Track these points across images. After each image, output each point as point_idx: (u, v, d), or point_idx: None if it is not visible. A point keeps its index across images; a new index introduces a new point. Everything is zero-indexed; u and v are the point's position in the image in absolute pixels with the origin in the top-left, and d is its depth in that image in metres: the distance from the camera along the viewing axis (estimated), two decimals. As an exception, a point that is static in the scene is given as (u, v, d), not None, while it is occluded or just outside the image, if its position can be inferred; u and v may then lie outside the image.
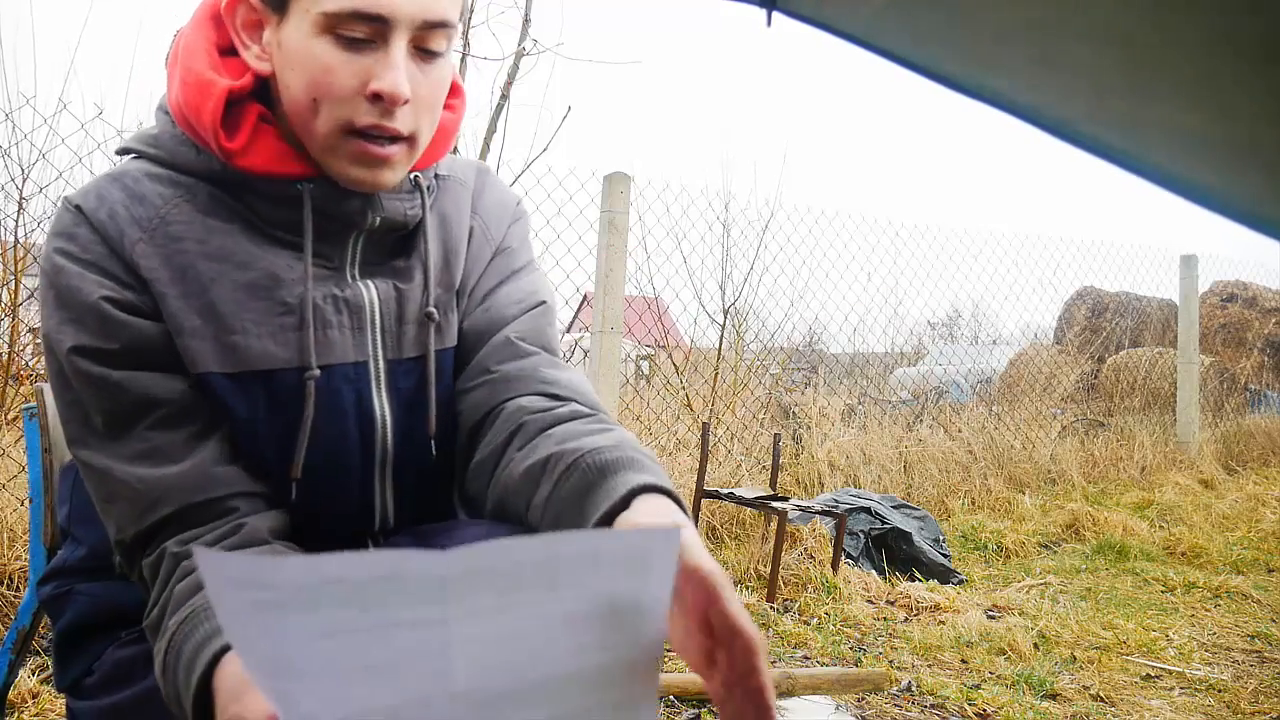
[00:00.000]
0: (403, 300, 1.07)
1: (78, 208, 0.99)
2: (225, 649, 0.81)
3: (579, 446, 0.94)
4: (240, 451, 1.01)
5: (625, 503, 0.85)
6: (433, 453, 1.09)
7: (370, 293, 1.05)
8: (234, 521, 0.97)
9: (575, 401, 1.06)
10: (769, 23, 1.16)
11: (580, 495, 0.90)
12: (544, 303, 1.16)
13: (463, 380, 1.11)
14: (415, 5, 0.94)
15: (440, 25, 0.96)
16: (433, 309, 1.08)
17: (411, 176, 1.07)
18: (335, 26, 0.93)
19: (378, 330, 1.05)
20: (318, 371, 1.01)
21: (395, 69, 0.94)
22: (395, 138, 0.98)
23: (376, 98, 0.94)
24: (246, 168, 0.99)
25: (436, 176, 1.13)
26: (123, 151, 1.07)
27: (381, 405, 1.06)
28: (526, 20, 4.27)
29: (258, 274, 1.00)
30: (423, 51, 0.97)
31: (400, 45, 0.94)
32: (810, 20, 1.16)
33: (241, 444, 1.01)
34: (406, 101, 0.95)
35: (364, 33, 0.94)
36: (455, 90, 1.11)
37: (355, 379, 1.05)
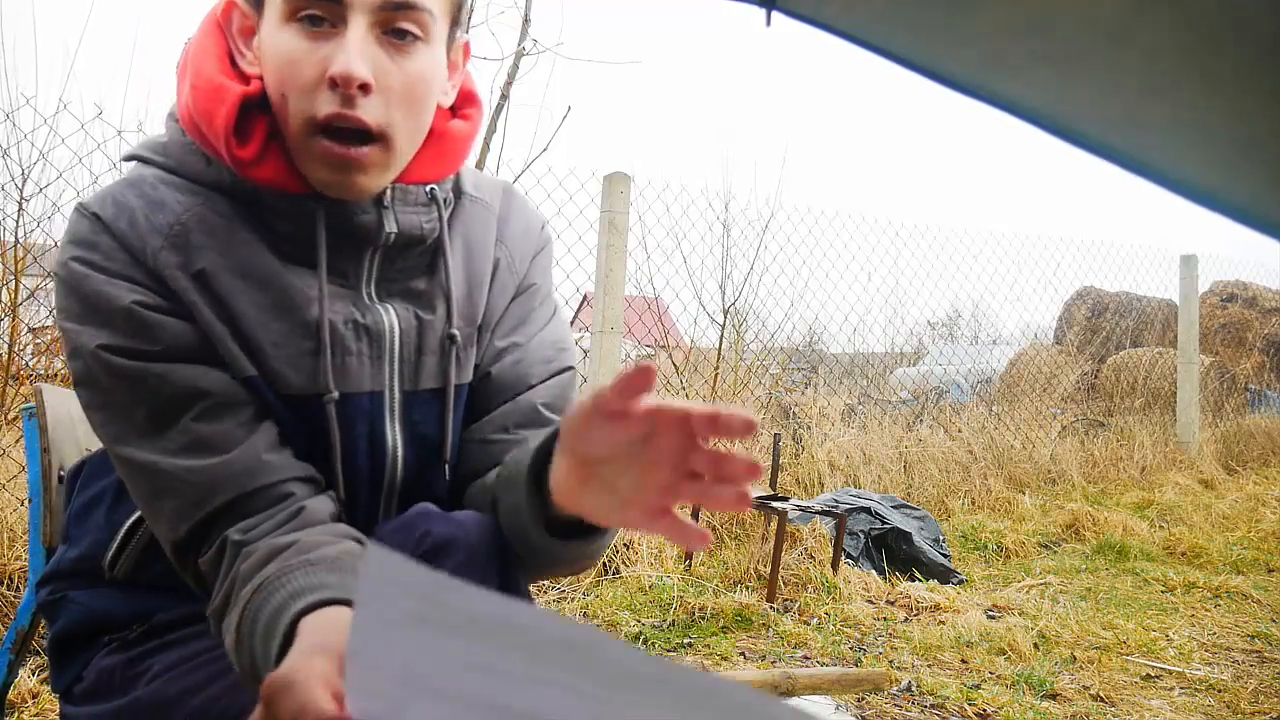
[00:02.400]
0: (424, 330, 1.03)
1: (96, 215, 0.96)
2: (305, 610, 0.78)
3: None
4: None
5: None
6: (446, 478, 1.06)
7: (390, 318, 1.02)
8: (292, 506, 0.93)
9: None
10: (768, 22, 1.16)
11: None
12: (571, 368, 1.14)
13: (480, 429, 1.08)
14: None
15: (405, 6, 0.92)
16: (455, 338, 1.04)
17: (427, 189, 1.03)
18: (293, 12, 0.91)
19: (396, 360, 1.02)
20: (336, 394, 0.98)
21: (347, 51, 0.90)
22: (364, 136, 0.93)
23: (334, 84, 0.90)
24: (257, 179, 0.96)
25: (460, 193, 1.09)
26: (130, 158, 1.04)
27: (394, 437, 1.03)
28: (526, 20, 4.27)
29: (277, 294, 0.97)
30: (392, 37, 0.93)
31: (357, 27, 0.90)
32: (809, 20, 1.16)
33: None
34: (364, 86, 0.90)
35: (321, 12, 0.90)
36: (471, 99, 1.07)
37: (370, 410, 1.02)
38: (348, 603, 0.78)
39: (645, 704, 0.51)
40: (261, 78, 0.96)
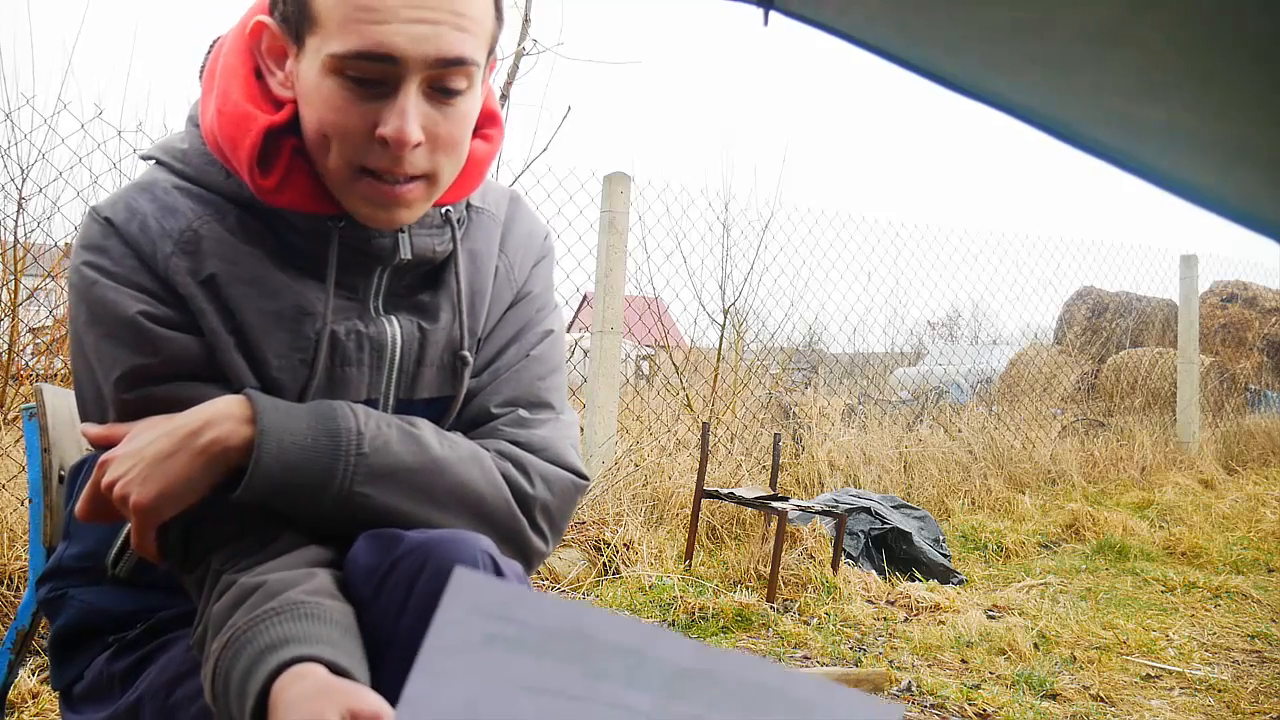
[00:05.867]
0: (425, 342, 1.04)
1: (107, 220, 0.96)
2: (274, 673, 0.79)
3: None
4: None
5: None
6: None
7: (394, 329, 1.02)
8: (272, 528, 0.95)
9: None
10: (766, 22, 1.16)
11: None
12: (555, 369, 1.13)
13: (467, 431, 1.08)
14: (426, 44, 0.88)
15: (455, 63, 0.90)
16: (467, 360, 1.05)
17: (442, 211, 1.03)
18: (343, 68, 0.89)
19: (395, 369, 1.03)
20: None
21: (402, 114, 0.89)
22: (411, 176, 0.93)
23: (385, 142, 0.90)
24: (278, 205, 0.96)
25: (468, 207, 1.09)
26: (147, 158, 1.04)
27: None
28: (526, 20, 4.27)
29: (284, 305, 0.98)
30: (440, 91, 0.92)
31: (410, 88, 0.89)
32: (806, 20, 1.16)
33: None
34: (417, 145, 0.91)
35: (373, 74, 0.89)
36: (492, 119, 1.06)
37: None
38: (315, 659, 0.80)
39: (695, 705, 0.54)
40: (293, 102, 0.95)
